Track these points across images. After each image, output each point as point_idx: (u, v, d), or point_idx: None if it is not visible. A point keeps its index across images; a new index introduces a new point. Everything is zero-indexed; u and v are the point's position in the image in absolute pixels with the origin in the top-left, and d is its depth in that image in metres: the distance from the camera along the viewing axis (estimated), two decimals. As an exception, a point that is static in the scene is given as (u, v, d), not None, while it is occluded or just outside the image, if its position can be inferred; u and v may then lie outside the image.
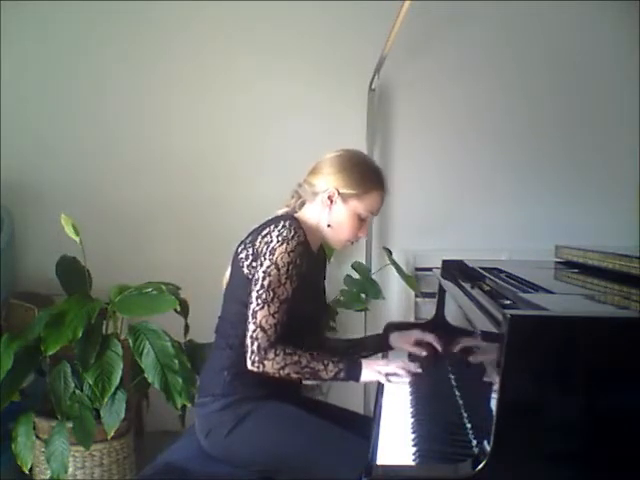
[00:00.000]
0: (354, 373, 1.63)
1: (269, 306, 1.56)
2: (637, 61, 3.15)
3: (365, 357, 1.87)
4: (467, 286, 1.74)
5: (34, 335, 2.28)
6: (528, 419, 1.05)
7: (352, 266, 3.12)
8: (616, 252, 1.59)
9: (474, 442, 1.24)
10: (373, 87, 3.17)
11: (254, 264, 1.62)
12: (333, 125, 3.22)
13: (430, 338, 1.90)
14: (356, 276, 3.11)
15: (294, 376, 1.59)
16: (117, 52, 3.17)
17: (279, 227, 1.60)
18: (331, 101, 3.22)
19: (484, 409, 1.11)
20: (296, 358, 1.57)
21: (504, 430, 1.03)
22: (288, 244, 1.57)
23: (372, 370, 1.65)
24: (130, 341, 2.32)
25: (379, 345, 2.00)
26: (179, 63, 3.19)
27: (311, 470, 1.54)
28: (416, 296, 3.20)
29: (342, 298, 3.04)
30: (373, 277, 3.14)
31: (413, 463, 1.20)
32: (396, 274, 3.03)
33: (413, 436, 1.33)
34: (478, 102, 3.28)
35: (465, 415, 1.39)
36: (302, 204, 1.79)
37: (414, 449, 1.26)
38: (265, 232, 1.62)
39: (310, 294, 1.68)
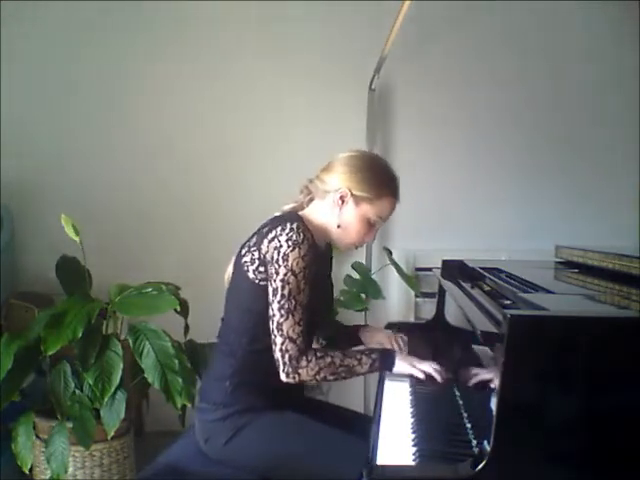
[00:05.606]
0: (388, 363, 1.62)
1: (293, 315, 1.51)
2: (637, 61, 3.15)
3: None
4: (467, 286, 1.74)
5: (34, 335, 2.28)
6: (528, 419, 1.05)
7: (352, 266, 3.12)
8: (616, 252, 1.59)
9: (474, 442, 1.24)
10: (373, 87, 3.17)
11: (261, 269, 1.57)
12: (333, 125, 3.22)
13: (399, 339, 1.86)
14: (356, 276, 3.11)
15: (330, 378, 1.56)
16: (118, 53, 3.16)
17: (287, 231, 1.53)
18: (331, 101, 3.22)
19: (484, 409, 1.12)
20: (329, 360, 1.54)
21: (504, 430, 1.03)
22: (300, 248, 1.51)
23: (406, 362, 1.64)
24: (130, 341, 2.31)
25: (348, 339, 1.92)
26: (180, 64, 3.18)
27: (311, 475, 1.53)
28: (416, 296, 3.20)
29: (342, 298, 3.03)
30: (373, 277, 3.14)
31: (413, 463, 1.20)
32: (396, 274, 3.03)
33: (413, 436, 1.33)
34: (478, 102, 3.28)
35: (465, 415, 1.39)
36: (310, 200, 1.73)
37: (414, 449, 1.26)
38: (272, 236, 1.55)
39: (318, 291, 1.63)
